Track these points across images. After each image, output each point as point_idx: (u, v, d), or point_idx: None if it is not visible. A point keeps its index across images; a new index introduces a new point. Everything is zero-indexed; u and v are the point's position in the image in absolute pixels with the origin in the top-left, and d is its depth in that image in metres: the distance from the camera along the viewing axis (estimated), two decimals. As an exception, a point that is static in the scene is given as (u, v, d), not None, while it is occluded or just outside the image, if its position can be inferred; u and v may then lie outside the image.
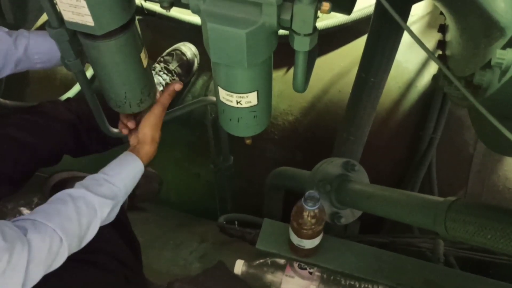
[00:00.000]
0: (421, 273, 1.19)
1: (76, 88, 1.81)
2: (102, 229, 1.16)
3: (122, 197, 1.07)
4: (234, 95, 0.85)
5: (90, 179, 1.05)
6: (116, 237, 1.20)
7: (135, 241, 1.29)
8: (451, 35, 0.94)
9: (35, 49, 1.14)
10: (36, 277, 0.88)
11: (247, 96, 0.86)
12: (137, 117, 1.18)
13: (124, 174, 1.08)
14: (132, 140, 1.18)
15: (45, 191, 1.51)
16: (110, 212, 1.04)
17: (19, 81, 1.92)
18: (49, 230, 0.91)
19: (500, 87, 0.65)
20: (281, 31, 0.76)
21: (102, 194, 1.02)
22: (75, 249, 0.97)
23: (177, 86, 1.16)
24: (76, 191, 1.00)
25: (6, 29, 1.15)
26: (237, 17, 0.71)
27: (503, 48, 0.63)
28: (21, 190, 1.26)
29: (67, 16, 0.83)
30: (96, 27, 0.84)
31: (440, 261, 1.30)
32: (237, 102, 0.86)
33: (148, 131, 1.14)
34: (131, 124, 1.17)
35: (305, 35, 0.72)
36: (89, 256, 1.11)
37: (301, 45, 0.74)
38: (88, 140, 1.39)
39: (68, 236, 0.93)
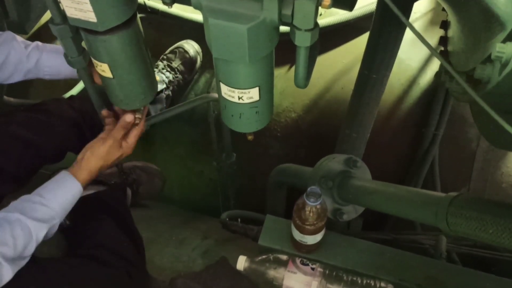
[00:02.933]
0: (423, 269, 1.19)
1: (80, 86, 1.81)
2: (105, 225, 1.17)
3: (59, 218, 1.06)
4: (236, 90, 0.86)
5: (25, 200, 1.04)
6: (119, 233, 1.21)
7: (138, 237, 1.29)
8: (452, 31, 0.94)
9: (47, 62, 1.18)
10: None
11: (248, 92, 0.86)
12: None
13: (61, 197, 1.07)
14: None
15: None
16: (47, 233, 1.04)
17: (23, 79, 1.93)
18: None
19: (500, 81, 0.65)
20: (283, 28, 0.77)
21: (38, 219, 1.01)
22: (16, 268, 0.98)
23: (128, 117, 1.15)
24: (11, 215, 0.99)
25: (23, 39, 1.19)
26: (239, 13, 0.71)
27: (503, 41, 0.63)
28: (24, 188, 1.27)
29: (70, 12, 0.84)
30: (99, 23, 0.85)
31: (443, 258, 1.30)
32: (239, 98, 0.87)
33: (88, 156, 1.15)
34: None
35: (306, 30, 0.73)
36: (92, 251, 1.12)
37: (303, 40, 0.74)
38: (91, 138, 1.38)
39: (6, 259, 0.94)
